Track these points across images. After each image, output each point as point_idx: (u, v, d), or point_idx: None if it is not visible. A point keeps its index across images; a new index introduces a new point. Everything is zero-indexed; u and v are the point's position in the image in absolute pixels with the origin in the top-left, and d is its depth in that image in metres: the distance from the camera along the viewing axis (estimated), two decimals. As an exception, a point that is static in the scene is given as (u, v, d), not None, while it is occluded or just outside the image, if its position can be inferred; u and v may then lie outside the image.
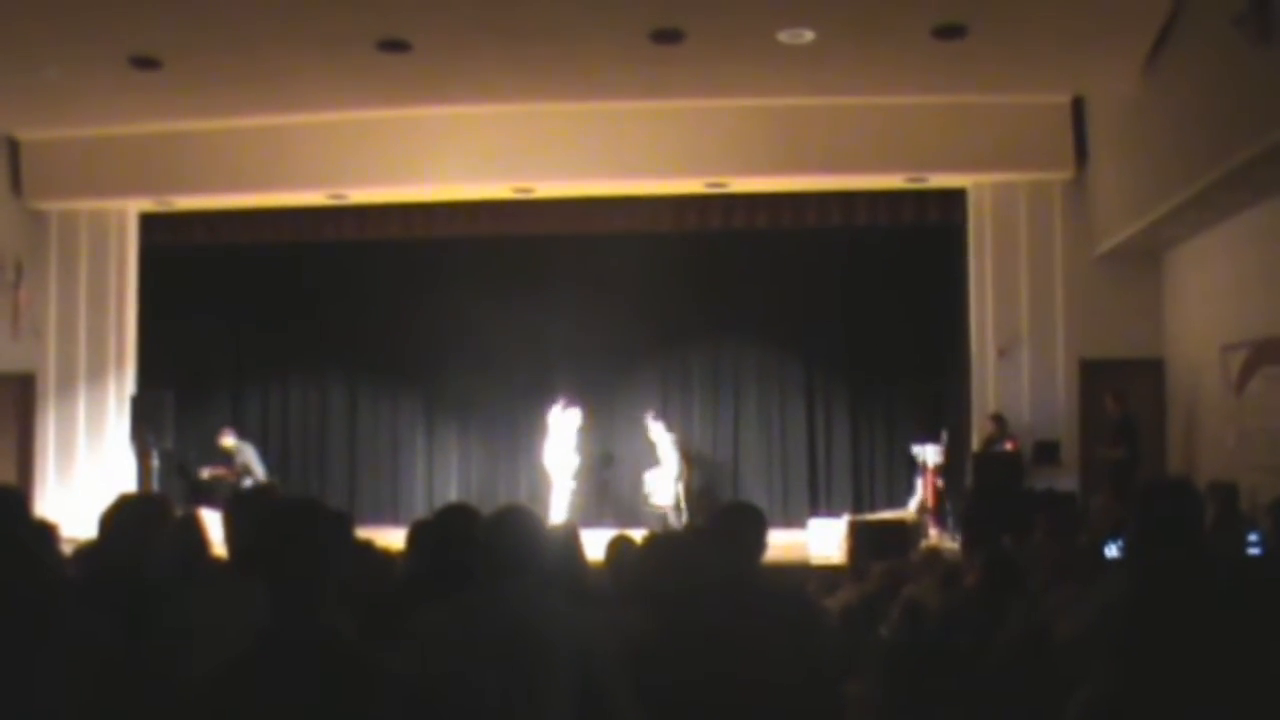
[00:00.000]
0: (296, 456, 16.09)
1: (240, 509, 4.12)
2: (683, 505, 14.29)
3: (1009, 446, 12.68)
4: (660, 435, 14.53)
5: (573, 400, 14.53)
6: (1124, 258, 12.90)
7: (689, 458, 14.76)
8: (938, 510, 13.47)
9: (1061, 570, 5.43)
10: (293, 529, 2.74)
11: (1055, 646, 4.29)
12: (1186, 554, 3.20)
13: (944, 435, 13.76)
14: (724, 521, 4.17)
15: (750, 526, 4.15)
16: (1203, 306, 12.11)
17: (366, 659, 2.69)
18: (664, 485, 14.36)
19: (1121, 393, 12.29)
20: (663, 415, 14.87)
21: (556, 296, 15.09)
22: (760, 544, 4.12)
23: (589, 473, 14.89)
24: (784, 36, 10.51)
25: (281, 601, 2.64)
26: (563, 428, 14.41)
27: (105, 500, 3.88)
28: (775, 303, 15.28)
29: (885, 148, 12.98)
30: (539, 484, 14.72)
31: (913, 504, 13.71)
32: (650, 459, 14.63)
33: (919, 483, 13.72)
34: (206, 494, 13.50)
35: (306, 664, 2.56)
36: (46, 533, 4.48)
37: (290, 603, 2.63)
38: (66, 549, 4.83)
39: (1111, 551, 5.74)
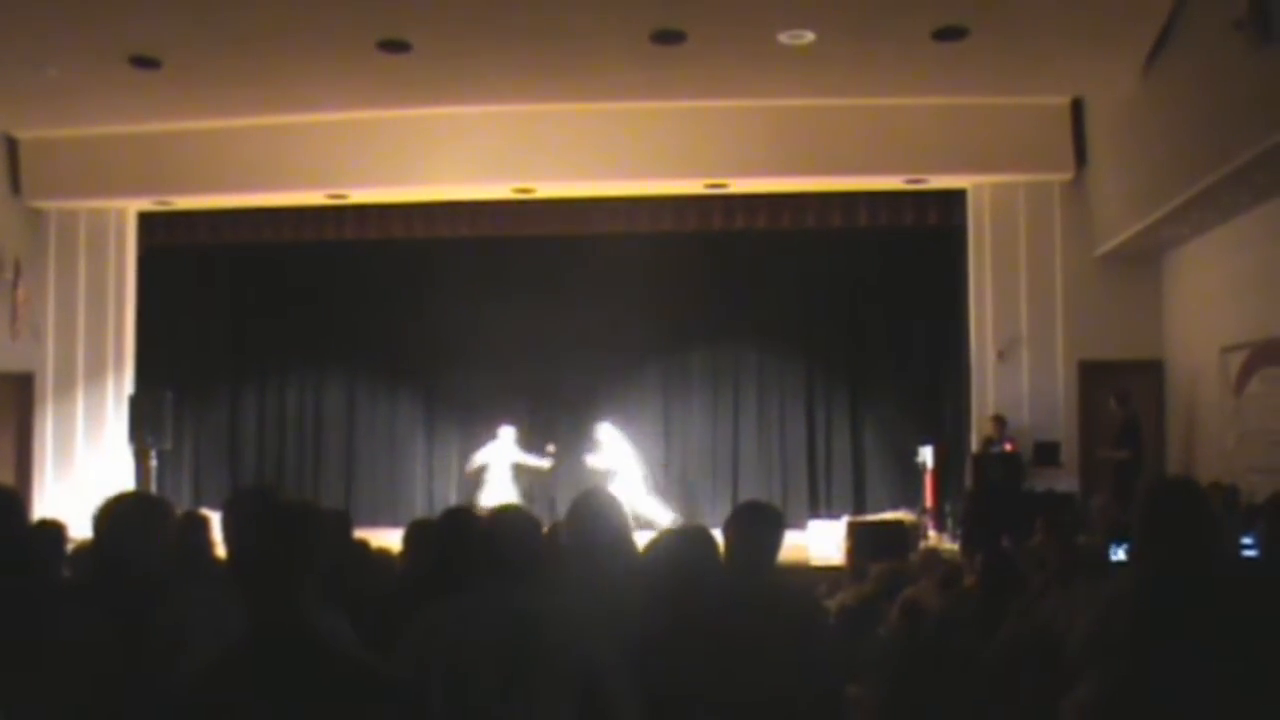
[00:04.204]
0: (294, 457, 16.07)
1: (237, 509, 4.10)
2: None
3: (1008, 448, 12.68)
4: (615, 442, 14.28)
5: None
6: (1123, 259, 12.90)
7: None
8: (937, 511, 13.47)
9: (1061, 571, 5.43)
10: (281, 529, 2.73)
11: (1055, 647, 4.28)
12: (1190, 555, 3.19)
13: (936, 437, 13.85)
14: (741, 520, 4.16)
15: (767, 526, 4.14)
16: (1202, 308, 12.12)
17: (355, 659, 2.68)
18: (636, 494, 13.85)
19: (1124, 393, 12.29)
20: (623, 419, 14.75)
21: (557, 297, 15.06)
22: (776, 545, 4.11)
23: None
24: (784, 38, 10.51)
25: (269, 602, 2.63)
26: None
27: (101, 500, 3.86)
28: (775, 304, 15.27)
29: (885, 149, 12.98)
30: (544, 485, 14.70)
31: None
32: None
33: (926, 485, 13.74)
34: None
35: (291, 664, 2.55)
36: (53, 532, 4.47)
37: (278, 603, 2.62)
38: (67, 549, 4.82)
39: (1117, 554, 5.72)
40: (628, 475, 14.00)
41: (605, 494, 4.19)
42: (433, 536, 4.44)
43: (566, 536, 4.15)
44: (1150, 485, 3.54)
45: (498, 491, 13.86)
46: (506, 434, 14.26)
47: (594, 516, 3.99)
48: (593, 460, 14.16)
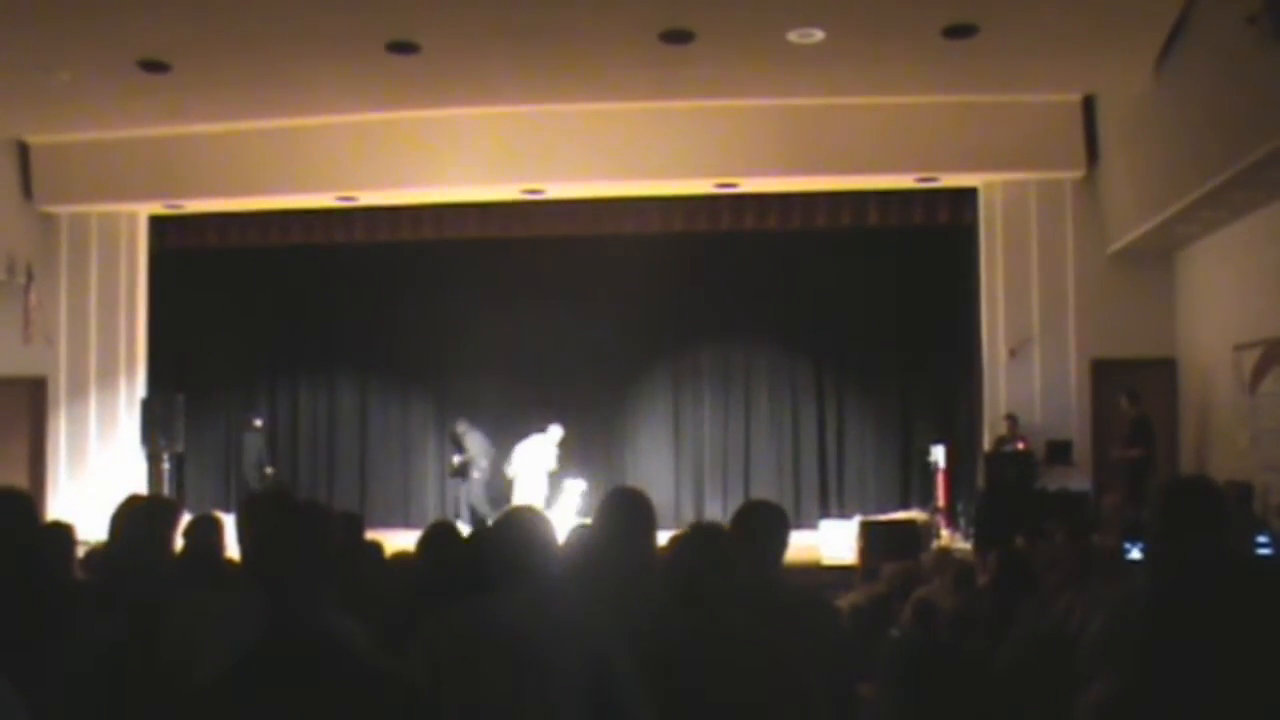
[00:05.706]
0: (307, 459, 16.10)
1: (251, 511, 4.11)
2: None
3: (1020, 446, 12.65)
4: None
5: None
6: (1136, 257, 12.87)
7: None
8: (949, 511, 13.44)
9: (1074, 570, 5.41)
10: (293, 531, 2.73)
11: (1069, 647, 4.27)
12: (1206, 553, 3.17)
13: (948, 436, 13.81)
14: (747, 520, 4.14)
15: (774, 526, 4.12)
16: (1215, 306, 12.07)
17: (367, 660, 2.68)
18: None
19: (1135, 392, 12.26)
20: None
21: (567, 298, 15.08)
22: (783, 544, 4.09)
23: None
24: (794, 36, 10.49)
25: (281, 604, 2.63)
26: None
27: (116, 503, 3.87)
28: (786, 303, 15.28)
29: (895, 147, 12.95)
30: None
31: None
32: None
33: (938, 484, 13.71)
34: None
35: (304, 665, 2.55)
36: (62, 534, 4.48)
37: (290, 605, 2.62)
38: (79, 551, 4.82)
39: (1133, 554, 5.70)
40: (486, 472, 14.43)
41: (631, 492, 4.15)
42: (447, 539, 4.44)
43: (594, 534, 4.13)
44: (1166, 484, 3.52)
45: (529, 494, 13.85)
46: (554, 433, 14.37)
47: (615, 514, 3.96)
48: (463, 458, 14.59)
